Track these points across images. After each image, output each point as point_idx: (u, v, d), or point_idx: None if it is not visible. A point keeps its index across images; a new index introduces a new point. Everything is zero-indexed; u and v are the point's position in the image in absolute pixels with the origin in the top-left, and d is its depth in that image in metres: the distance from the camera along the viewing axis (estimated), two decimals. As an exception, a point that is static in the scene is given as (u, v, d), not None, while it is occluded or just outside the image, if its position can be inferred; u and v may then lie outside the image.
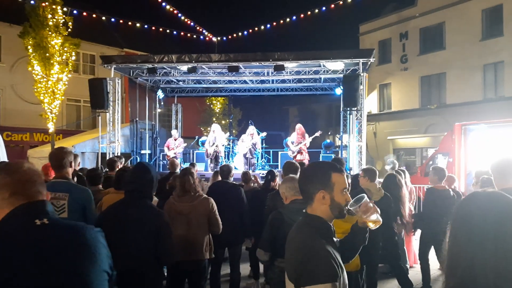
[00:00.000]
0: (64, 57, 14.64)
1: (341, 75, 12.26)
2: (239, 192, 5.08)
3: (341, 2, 18.04)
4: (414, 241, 6.65)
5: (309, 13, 18.85)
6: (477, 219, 1.17)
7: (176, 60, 12.02)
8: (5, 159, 6.68)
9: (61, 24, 14.42)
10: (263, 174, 9.41)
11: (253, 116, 16.16)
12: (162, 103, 16.39)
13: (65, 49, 14.57)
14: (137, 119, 15.61)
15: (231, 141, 14.80)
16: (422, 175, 12.09)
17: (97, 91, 11.71)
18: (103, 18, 20.13)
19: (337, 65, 12.06)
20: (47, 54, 14.20)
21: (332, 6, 18.40)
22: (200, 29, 22.29)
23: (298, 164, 4.60)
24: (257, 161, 13.44)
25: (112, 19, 20.39)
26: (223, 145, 12.86)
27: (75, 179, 4.26)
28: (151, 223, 2.94)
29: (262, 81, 14.70)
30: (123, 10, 40.24)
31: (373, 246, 4.43)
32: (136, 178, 3.05)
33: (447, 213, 5.06)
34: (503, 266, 1.09)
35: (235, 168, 11.02)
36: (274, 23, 20.18)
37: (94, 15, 18.91)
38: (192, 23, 21.35)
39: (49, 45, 14.18)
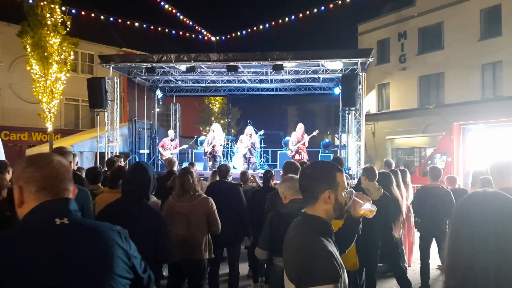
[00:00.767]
0: (62, 57, 14.62)
1: (340, 75, 12.26)
2: (238, 192, 5.05)
3: (339, 2, 18.07)
4: (413, 241, 6.68)
5: (307, 12, 18.90)
6: (478, 219, 1.16)
7: (175, 60, 12.00)
8: (3, 158, 6.67)
9: (59, 23, 14.39)
10: (261, 173, 9.39)
11: (252, 116, 16.11)
12: (160, 102, 16.38)
13: (64, 48, 14.55)
14: (136, 118, 15.55)
15: (229, 140, 14.77)
16: (421, 174, 12.11)
17: (95, 90, 11.70)
18: (102, 17, 20.08)
19: (335, 65, 12.07)
20: (46, 54, 14.17)
21: (331, 5, 18.44)
22: (199, 29, 22.33)
23: (298, 165, 4.60)
24: (257, 160, 13.42)
25: (111, 19, 20.40)
26: (221, 145, 12.80)
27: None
28: (149, 223, 2.93)
29: (261, 81, 14.70)
30: (122, 9, 40.23)
31: (372, 246, 4.44)
32: (134, 178, 3.05)
33: (441, 209, 5.09)
34: (504, 266, 1.08)
35: (233, 167, 11.03)
36: (273, 23, 20.22)
37: (92, 14, 18.90)
38: (191, 23, 21.38)
39: (48, 45, 14.15)
